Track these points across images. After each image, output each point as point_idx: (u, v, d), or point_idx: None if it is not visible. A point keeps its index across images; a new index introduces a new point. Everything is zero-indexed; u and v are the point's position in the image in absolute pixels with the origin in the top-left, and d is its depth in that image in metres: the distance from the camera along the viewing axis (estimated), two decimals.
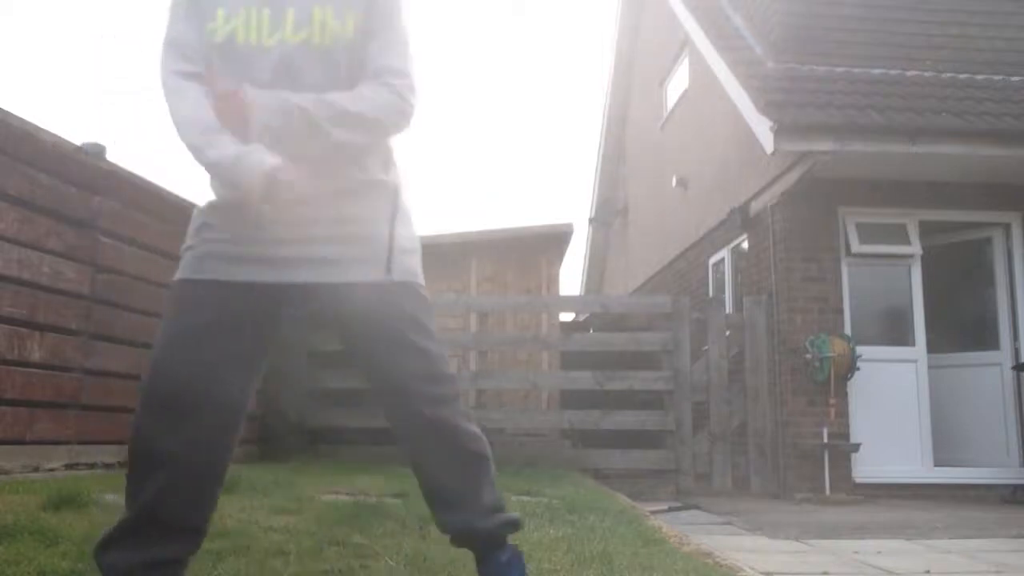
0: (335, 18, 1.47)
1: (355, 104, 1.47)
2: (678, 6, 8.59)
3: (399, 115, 1.53)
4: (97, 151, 4.95)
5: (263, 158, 1.39)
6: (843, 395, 6.21)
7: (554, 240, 8.61)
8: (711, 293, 8.14)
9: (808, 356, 6.18)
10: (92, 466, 4.65)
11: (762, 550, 3.32)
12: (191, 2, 1.53)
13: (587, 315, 9.76)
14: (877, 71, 6.98)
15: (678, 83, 9.64)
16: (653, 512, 4.33)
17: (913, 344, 6.46)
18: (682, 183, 9.03)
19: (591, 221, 13.78)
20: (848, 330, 6.32)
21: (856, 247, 6.41)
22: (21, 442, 4.27)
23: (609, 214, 13.06)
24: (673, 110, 9.77)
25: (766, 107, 6.10)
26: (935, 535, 3.95)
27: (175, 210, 5.81)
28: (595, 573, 2.24)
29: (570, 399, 7.19)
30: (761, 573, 2.69)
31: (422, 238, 1.67)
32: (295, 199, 1.42)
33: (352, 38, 1.50)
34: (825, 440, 6.06)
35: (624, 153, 12.63)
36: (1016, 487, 6.02)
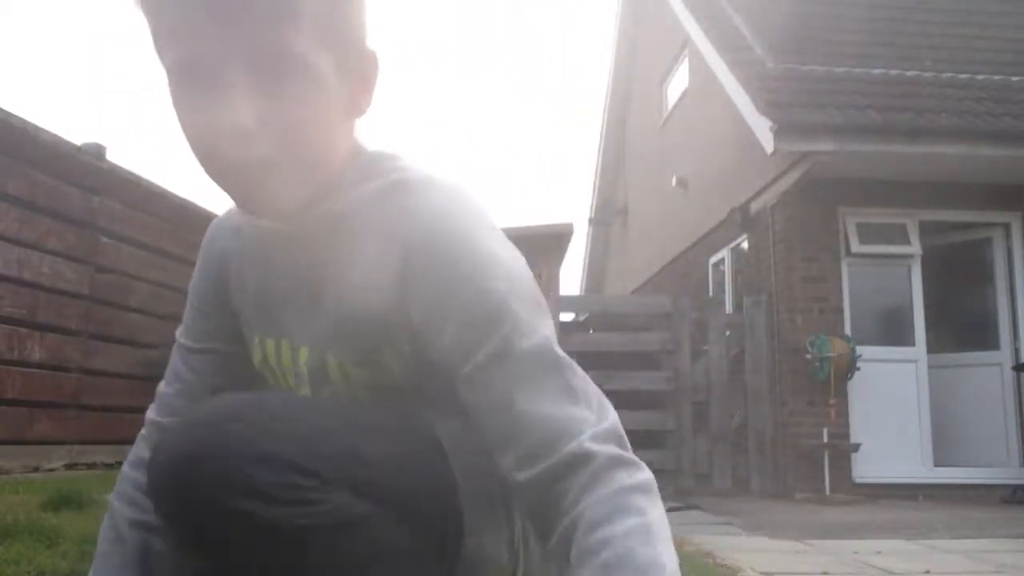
0: (357, 365, 0.92)
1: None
2: (678, 6, 8.59)
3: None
4: (97, 151, 4.95)
5: None
6: (843, 395, 6.21)
7: (554, 240, 8.60)
8: (711, 293, 8.14)
9: (808, 356, 6.18)
10: (92, 466, 4.65)
11: (762, 550, 3.32)
12: (216, 301, 1.06)
13: (587, 315, 9.77)
14: (877, 71, 6.97)
15: (678, 83, 9.63)
16: None
17: (913, 344, 6.46)
18: (682, 183, 9.03)
19: (591, 221, 13.78)
20: (848, 330, 6.32)
21: (856, 247, 6.41)
22: (21, 442, 4.27)
23: (609, 214, 13.06)
24: (673, 110, 9.77)
25: (766, 107, 6.10)
26: (935, 535, 3.95)
27: (175, 210, 5.81)
28: None
29: None
30: (761, 573, 2.69)
31: None
32: None
33: (405, 381, 0.93)
34: (825, 440, 6.06)
35: (624, 153, 12.63)
36: (1016, 487, 6.01)
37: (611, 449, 0.75)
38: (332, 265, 0.89)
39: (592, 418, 0.77)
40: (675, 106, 9.68)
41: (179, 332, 1.08)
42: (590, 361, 7.97)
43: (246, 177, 0.82)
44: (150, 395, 1.11)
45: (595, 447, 0.75)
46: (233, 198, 0.86)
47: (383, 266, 0.85)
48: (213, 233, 1.06)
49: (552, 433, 0.76)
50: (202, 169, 0.84)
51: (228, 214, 1.05)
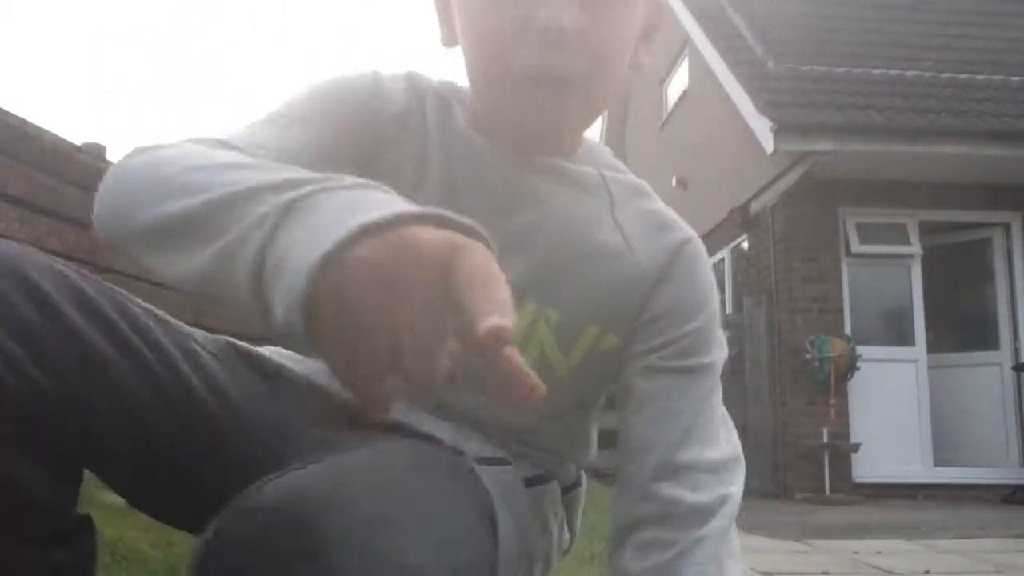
0: (556, 341, 0.78)
1: None
2: (678, 6, 8.58)
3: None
4: (97, 151, 4.95)
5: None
6: (843, 395, 6.21)
7: None
8: None
9: (808, 356, 6.18)
10: None
11: (762, 550, 3.32)
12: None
13: None
14: (877, 71, 6.97)
15: (678, 83, 9.63)
16: None
17: (913, 344, 6.46)
18: (682, 183, 9.03)
19: None
20: (848, 330, 6.32)
21: (856, 247, 6.41)
22: None
23: None
24: (673, 110, 9.77)
25: (766, 107, 6.10)
26: (935, 535, 3.95)
27: None
28: (596, 572, 2.24)
29: None
30: (761, 573, 2.70)
31: None
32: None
33: (571, 377, 0.80)
34: (825, 440, 6.06)
35: (624, 153, 12.62)
36: (1016, 487, 6.01)
37: (724, 523, 0.83)
38: (583, 222, 0.80)
39: (731, 473, 0.87)
40: (675, 106, 9.67)
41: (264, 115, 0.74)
42: None
43: (539, 87, 0.70)
44: None
45: (717, 519, 0.82)
46: (511, 115, 0.73)
47: (651, 253, 0.81)
48: (401, 81, 0.81)
49: (701, 462, 0.82)
50: (480, 77, 0.74)
51: (438, 83, 0.83)
